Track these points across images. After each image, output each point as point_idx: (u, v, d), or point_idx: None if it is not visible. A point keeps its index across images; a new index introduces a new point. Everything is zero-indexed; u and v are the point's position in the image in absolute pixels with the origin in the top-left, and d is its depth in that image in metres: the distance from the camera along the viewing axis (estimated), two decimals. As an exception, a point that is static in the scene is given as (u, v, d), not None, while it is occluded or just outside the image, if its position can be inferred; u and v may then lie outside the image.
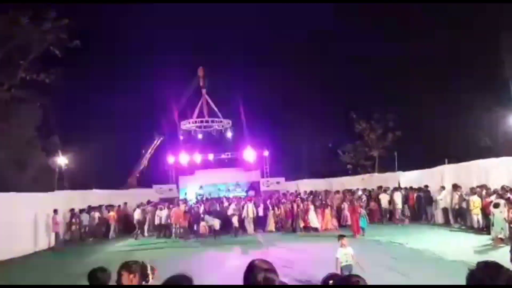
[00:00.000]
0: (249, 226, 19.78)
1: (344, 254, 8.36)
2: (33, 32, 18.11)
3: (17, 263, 14.99)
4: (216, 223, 19.01)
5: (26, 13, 17.61)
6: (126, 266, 3.30)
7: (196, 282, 2.52)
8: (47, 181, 23.62)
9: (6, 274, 12.93)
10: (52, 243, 18.30)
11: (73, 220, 20.10)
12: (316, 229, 18.61)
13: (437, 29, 28.82)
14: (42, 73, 18.43)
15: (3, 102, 19.45)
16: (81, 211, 20.68)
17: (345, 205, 19.54)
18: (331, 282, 2.43)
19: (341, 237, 8.81)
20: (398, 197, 20.21)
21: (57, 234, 18.23)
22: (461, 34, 26.60)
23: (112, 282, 3.44)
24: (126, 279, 3.23)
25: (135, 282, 3.22)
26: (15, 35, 17.92)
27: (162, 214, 20.53)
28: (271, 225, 20.09)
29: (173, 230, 19.90)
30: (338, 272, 7.72)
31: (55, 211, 18.21)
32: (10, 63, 18.43)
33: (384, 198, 20.71)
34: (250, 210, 19.86)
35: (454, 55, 27.74)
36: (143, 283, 3.29)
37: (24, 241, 16.59)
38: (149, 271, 3.29)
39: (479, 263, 2.11)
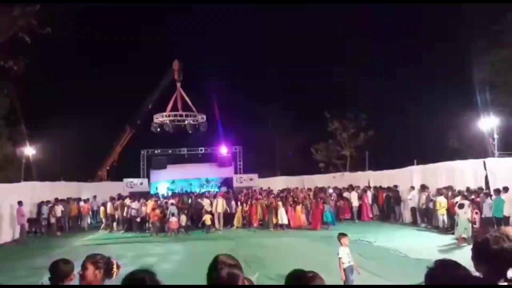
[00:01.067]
0: (218, 222, 19.72)
1: (346, 254, 7.82)
2: (2, 17, 17.40)
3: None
4: (184, 218, 18.89)
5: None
6: (92, 259, 3.23)
7: (162, 278, 2.48)
8: (14, 171, 22.87)
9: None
10: (16, 235, 17.76)
11: (42, 212, 19.51)
12: (287, 226, 18.75)
13: (411, 30, 29.48)
14: (10, 60, 17.74)
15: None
16: (48, 202, 20.11)
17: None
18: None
19: (342, 235, 8.02)
20: (368, 196, 20.69)
21: (22, 226, 17.68)
22: (433, 37, 27.29)
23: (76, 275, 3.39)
24: (91, 272, 3.16)
25: (99, 277, 3.16)
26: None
27: (134, 207, 20.23)
28: (238, 221, 20.12)
29: (147, 224, 19.68)
30: (342, 274, 7.57)
31: (20, 202, 17.64)
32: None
33: (354, 197, 21.09)
34: (220, 206, 19.80)
35: (426, 57, 28.46)
36: (106, 280, 3.22)
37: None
38: (114, 268, 3.22)
39: (437, 261, 2.16)
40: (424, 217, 17.72)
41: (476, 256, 2.24)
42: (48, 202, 20.08)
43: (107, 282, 3.21)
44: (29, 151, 25.41)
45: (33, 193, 19.90)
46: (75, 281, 3.32)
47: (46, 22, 17.71)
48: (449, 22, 26.35)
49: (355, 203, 20.95)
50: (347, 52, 32.21)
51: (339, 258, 7.72)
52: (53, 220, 19.65)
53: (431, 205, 16.96)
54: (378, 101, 29.70)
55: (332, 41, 33.04)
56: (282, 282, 2.39)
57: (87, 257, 3.27)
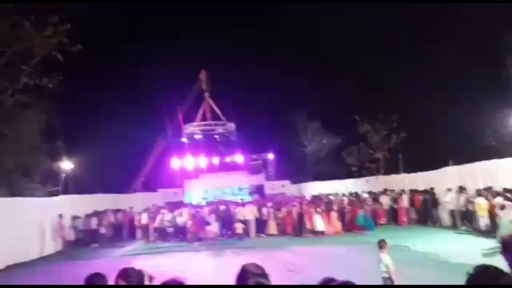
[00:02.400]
0: (251, 230, 19.71)
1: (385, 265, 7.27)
2: (36, 37, 18.12)
3: (24, 268, 15.03)
4: (217, 227, 19.03)
5: (29, 17, 17.65)
6: (123, 274, 3.28)
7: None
8: (53, 186, 23.67)
9: (12, 279, 12.96)
10: (58, 247, 18.33)
11: (79, 224, 20.10)
12: (322, 233, 18.52)
13: (441, 29, 28.76)
14: (45, 78, 18.43)
15: (7, 107, 19.50)
16: (88, 215, 20.72)
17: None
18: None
19: (382, 242, 7.62)
20: (404, 200, 20.21)
21: (63, 239, 18.22)
22: (464, 34, 26.53)
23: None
24: None
25: None
26: (18, 40, 17.96)
27: (169, 217, 20.55)
28: (272, 228, 20.01)
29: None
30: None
31: (60, 215, 18.24)
32: (13, 68, 18.48)
33: (389, 201, 20.66)
34: (250, 213, 19.82)
35: (458, 55, 27.66)
36: None
37: (30, 246, 16.63)
38: (146, 281, 3.26)
39: (478, 267, 2.07)
40: (464, 219, 17.11)
41: None
42: (95, 213, 20.70)
43: None
44: (67, 165, 26.25)
45: (72, 206, 20.53)
46: None
47: (76, 40, 18.32)
48: (483, 19, 25.58)
49: (386, 206, 20.65)
50: (376, 52, 31.74)
51: (387, 265, 7.21)
52: (103, 230, 20.13)
53: (470, 207, 16.36)
54: (409, 101, 29.04)
55: (360, 41, 32.65)
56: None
57: (119, 272, 3.32)
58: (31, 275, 13.49)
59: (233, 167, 32.61)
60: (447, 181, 18.36)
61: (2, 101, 18.74)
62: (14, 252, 15.66)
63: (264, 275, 2.23)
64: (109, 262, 14.53)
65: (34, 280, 12.31)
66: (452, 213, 17.83)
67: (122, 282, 3.25)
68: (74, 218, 20.36)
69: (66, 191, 23.59)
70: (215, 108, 27.70)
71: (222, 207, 22.19)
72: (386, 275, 7.27)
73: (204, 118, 27.90)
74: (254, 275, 2.18)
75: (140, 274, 3.32)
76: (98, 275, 3.51)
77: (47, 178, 24.88)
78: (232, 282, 2.26)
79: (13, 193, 17.48)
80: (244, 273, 2.21)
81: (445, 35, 28.37)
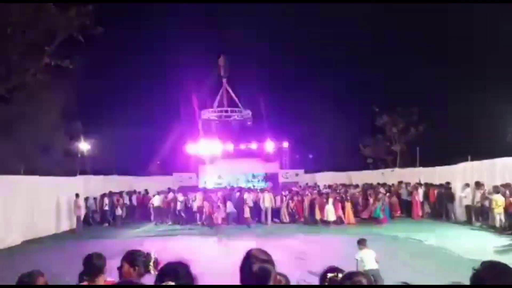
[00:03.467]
0: (265, 217, 19.81)
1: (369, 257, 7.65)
2: (59, 18, 18.29)
3: (40, 243, 15.44)
4: (227, 212, 19.24)
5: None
6: (129, 257, 3.32)
7: (202, 270, 2.50)
8: (70, 165, 24.11)
9: (30, 253, 13.33)
10: (73, 226, 18.73)
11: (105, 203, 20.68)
12: (335, 222, 18.50)
13: (461, 20, 27.97)
14: (66, 59, 18.66)
15: (29, 87, 19.86)
16: (103, 196, 21.10)
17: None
18: (330, 275, 2.34)
19: (362, 241, 8.12)
20: (419, 193, 19.98)
21: (78, 218, 18.58)
22: (484, 27, 25.82)
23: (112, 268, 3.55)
24: (126, 270, 3.26)
25: (134, 275, 3.23)
26: (41, 21, 18.16)
27: (182, 200, 20.83)
28: (284, 216, 20.09)
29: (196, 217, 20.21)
30: None
31: (77, 195, 18.59)
32: (36, 48, 18.73)
33: (404, 193, 20.49)
34: (267, 201, 19.86)
35: (479, 48, 26.96)
36: (145, 275, 3.29)
37: (46, 222, 17.04)
38: (151, 264, 3.27)
39: (484, 263, 2.01)
40: (479, 215, 16.84)
41: None
42: (110, 194, 21.09)
43: (147, 276, 3.28)
44: (84, 146, 26.66)
45: (87, 186, 20.92)
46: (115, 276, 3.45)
47: (98, 21, 18.46)
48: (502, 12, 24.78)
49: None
50: (396, 43, 31.14)
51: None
52: (118, 211, 20.52)
53: (486, 203, 16.08)
54: (429, 94, 28.47)
55: (380, 33, 32.03)
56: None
57: (125, 254, 3.36)
58: (45, 251, 13.84)
59: (248, 154, 32.63)
60: (465, 177, 18.04)
61: (24, 81, 19.06)
62: (30, 228, 16.13)
63: (269, 261, 2.18)
64: (121, 243, 14.77)
65: (47, 256, 12.63)
66: (467, 208, 17.55)
67: (126, 265, 3.29)
68: (90, 198, 20.78)
69: (82, 171, 23.99)
70: (232, 94, 27.66)
71: (236, 193, 22.31)
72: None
73: (221, 104, 27.91)
74: (259, 260, 2.14)
75: (146, 257, 3.35)
76: (97, 255, 3.60)
77: (65, 158, 25.34)
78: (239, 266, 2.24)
79: (31, 171, 17.85)
80: (249, 257, 2.18)
81: (471, 27, 27.57)
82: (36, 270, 3.40)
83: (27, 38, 18.18)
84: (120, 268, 3.30)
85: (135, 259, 3.29)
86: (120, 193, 22.90)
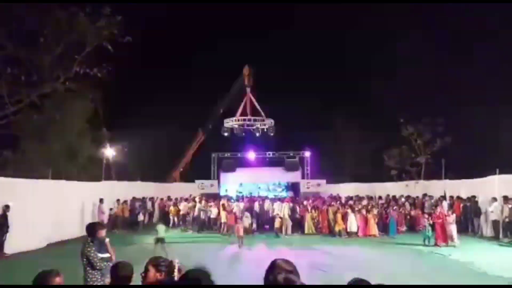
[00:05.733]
0: (285, 227, 19.71)
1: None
2: (90, 28, 18.84)
3: (65, 246, 15.77)
4: (248, 221, 19.19)
5: (84, 8, 18.40)
6: (155, 262, 3.39)
7: (219, 278, 2.53)
8: (95, 171, 24.63)
9: (54, 256, 13.62)
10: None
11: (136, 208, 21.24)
12: (356, 234, 18.27)
13: (491, 31, 27.38)
14: (95, 68, 19.17)
15: (58, 94, 20.45)
16: (126, 202, 21.44)
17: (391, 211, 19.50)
18: None
19: None
20: (443, 206, 19.50)
21: (102, 222, 18.87)
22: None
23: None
24: (152, 275, 3.32)
25: (159, 279, 3.30)
26: (73, 30, 18.74)
27: (204, 208, 20.98)
28: (308, 227, 19.92)
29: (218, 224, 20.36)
30: None
31: (101, 200, 18.96)
32: (67, 57, 19.30)
33: (428, 206, 20.08)
34: (286, 211, 19.79)
35: (507, 59, 26.28)
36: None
37: (71, 226, 17.39)
38: (175, 271, 3.33)
39: None
40: (508, 231, 16.34)
41: None
42: (134, 200, 21.59)
43: None
44: (109, 152, 27.20)
45: (112, 192, 21.31)
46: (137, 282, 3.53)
47: (126, 31, 18.91)
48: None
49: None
50: (422, 53, 30.65)
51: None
52: (140, 217, 20.84)
53: (515, 218, 15.61)
54: (456, 105, 27.88)
55: (406, 41, 31.62)
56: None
57: (150, 260, 3.43)
58: (69, 255, 14.07)
59: (270, 163, 32.61)
60: (492, 190, 17.54)
61: (54, 89, 19.65)
62: (55, 232, 16.53)
63: (294, 272, 2.21)
64: (142, 248, 14.97)
65: (68, 258, 12.87)
66: (495, 223, 17.06)
67: (152, 269, 3.36)
68: (114, 203, 21.14)
69: (107, 177, 24.46)
70: (256, 103, 27.79)
71: (257, 202, 22.32)
72: None
73: (244, 113, 28.07)
74: (284, 271, 2.17)
75: (170, 264, 3.41)
76: (124, 264, 3.71)
77: (91, 163, 25.91)
78: (262, 275, 2.26)
79: (58, 176, 18.32)
80: (274, 267, 2.20)
81: (498, 36, 26.94)
82: (55, 269, 3.51)
83: (59, 48, 18.77)
84: (144, 273, 3.37)
85: (160, 264, 3.36)
86: (143, 199, 23.29)
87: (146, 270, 3.36)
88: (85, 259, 5.89)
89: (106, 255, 6.34)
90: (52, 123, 22.41)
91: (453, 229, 15.81)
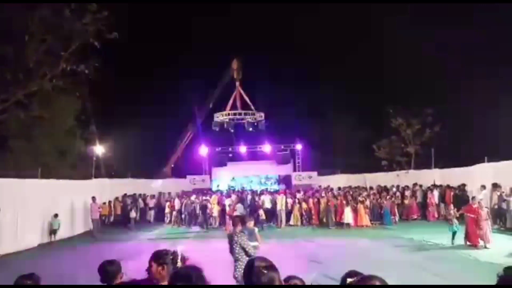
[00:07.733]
0: (280, 219, 19.80)
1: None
2: (76, 24, 18.60)
3: (56, 245, 15.67)
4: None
5: (69, 5, 18.14)
6: (156, 257, 3.36)
7: (215, 274, 2.52)
8: (85, 169, 24.42)
9: (45, 255, 13.54)
10: (88, 228, 18.94)
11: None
12: (348, 225, 18.41)
13: (479, 21, 27.56)
14: (81, 64, 18.96)
15: (46, 92, 20.18)
16: (117, 199, 21.32)
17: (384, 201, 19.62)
18: (349, 280, 2.32)
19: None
20: (434, 195, 19.75)
21: (94, 220, 18.75)
22: (501, 29, 25.42)
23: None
24: (155, 270, 3.30)
25: (164, 272, 3.27)
26: (58, 27, 18.49)
27: (196, 202, 20.96)
28: (295, 219, 20.05)
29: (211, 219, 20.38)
30: None
31: (93, 198, 18.79)
32: (53, 54, 19.06)
33: (419, 195, 20.31)
34: (282, 203, 19.86)
35: (495, 50, 26.54)
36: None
37: (62, 225, 17.21)
38: (179, 260, 3.31)
39: (506, 269, 1.99)
40: (497, 218, 16.56)
41: None
42: (125, 197, 21.49)
43: None
44: (99, 149, 26.96)
45: (102, 189, 21.15)
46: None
47: (112, 27, 18.71)
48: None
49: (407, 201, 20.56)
50: (410, 44, 30.74)
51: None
52: (132, 214, 20.73)
53: (504, 205, 15.82)
54: (444, 94, 28.08)
55: (394, 33, 31.70)
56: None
57: (152, 255, 3.41)
58: (60, 254, 14.07)
59: (261, 157, 32.65)
60: (481, 178, 17.77)
61: (41, 86, 19.40)
62: (46, 231, 16.40)
63: (272, 267, 2.20)
64: (135, 245, 14.94)
65: (61, 258, 12.85)
66: (485, 210, 17.25)
67: (155, 265, 3.32)
68: (105, 201, 21.02)
69: (97, 175, 24.27)
70: (245, 97, 27.74)
71: (249, 196, 22.35)
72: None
73: (234, 107, 28.00)
74: (264, 268, 2.16)
75: (174, 254, 3.38)
76: (109, 262, 3.73)
77: (80, 161, 25.67)
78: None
79: (48, 175, 18.11)
80: (252, 267, 2.18)
81: (485, 27, 27.10)
82: (29, 273, 3.54)
83: (44, 45, 18.51)
84: (148, 269, 3.35)
85: (163, 258, 3.33)
86: (134, 196, 23.17)
87: (150, 266, 3.34)
88: (237, 248, 6.50)
89: (255, 243, 7.29)
90: (40, 121, 22.12)
91: (487, 226, 13.18)
